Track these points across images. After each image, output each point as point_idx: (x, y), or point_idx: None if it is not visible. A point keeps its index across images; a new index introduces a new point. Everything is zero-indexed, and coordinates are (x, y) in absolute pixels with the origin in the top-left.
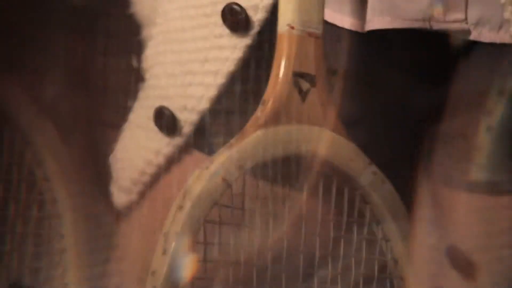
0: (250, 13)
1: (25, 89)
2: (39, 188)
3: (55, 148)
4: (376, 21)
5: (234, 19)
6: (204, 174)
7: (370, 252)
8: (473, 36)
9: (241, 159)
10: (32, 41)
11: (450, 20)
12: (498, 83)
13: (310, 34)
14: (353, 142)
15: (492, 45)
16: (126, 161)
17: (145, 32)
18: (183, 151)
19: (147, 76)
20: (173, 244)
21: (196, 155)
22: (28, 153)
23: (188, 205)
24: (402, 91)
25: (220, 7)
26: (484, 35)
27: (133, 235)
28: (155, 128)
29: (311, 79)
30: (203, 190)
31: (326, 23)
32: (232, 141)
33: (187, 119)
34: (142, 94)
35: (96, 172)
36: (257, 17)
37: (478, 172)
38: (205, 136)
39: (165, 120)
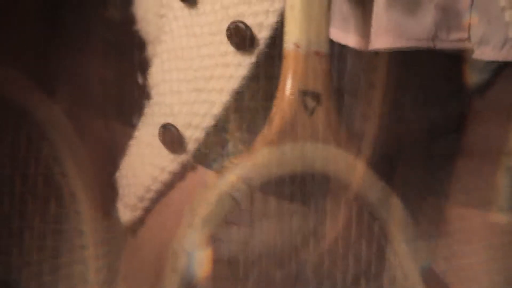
0: (255, 31)
1: (43, 85)
2: (56, 183)
3: (72, 145)
4: (380, 41)
5: (239, 37)
6: (211, 192)
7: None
8: (476, 55)
9: (248, 176)
10: (57, 44)
11: (454, 39)
12: None
13: (316, 53)
14: (363, 159)
15: None
16: (131, 178)
17: (151, 50)
18: (188, 167)
19: (153, 93)
20: (183, 261)
21: (202, 171)
22: (45, 148)
23: (196, 222)
24: (415, 107)
25: (225, 25)
26: (487, 53)
27: (139, 252)
28: (160, 145)
29: (317, 97)
30: (211, 207)
31: (331, 41)
32: (239, 158)
33: (192, 136)
34: (147, 111)
35: (112, 172)
36: (262, 35)
37: (497, 212)
38: (210, 152)
39: (170, 137)
